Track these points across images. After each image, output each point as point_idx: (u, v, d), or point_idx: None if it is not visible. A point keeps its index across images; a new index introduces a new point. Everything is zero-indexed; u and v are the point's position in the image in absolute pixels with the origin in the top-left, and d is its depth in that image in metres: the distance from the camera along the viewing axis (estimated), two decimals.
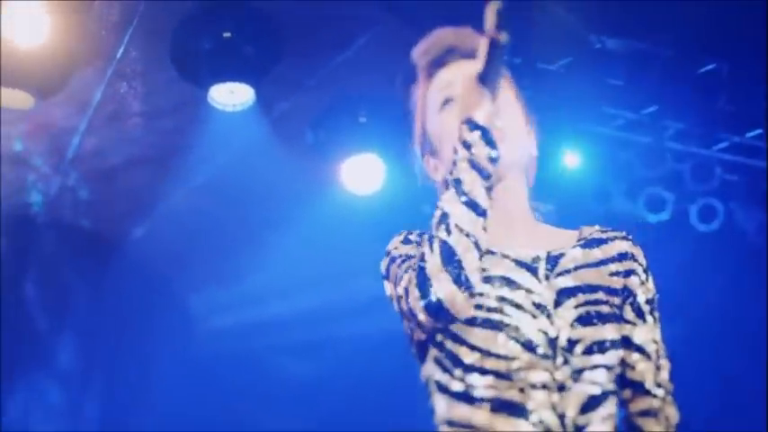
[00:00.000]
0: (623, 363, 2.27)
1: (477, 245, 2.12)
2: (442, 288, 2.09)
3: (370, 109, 5.65)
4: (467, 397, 2.16)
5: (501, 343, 2.15)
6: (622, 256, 2.32)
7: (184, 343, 7.01)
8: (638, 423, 2.30)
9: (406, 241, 2.29)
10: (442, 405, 2.20)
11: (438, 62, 2.40)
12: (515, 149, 2.30)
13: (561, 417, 2.14)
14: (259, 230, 6.32)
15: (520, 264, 2.25)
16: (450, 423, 2.18)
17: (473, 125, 2.17)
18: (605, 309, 2.24)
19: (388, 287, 2.24)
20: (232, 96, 5.14)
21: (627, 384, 2.29)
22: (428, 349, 2.23)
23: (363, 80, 5.37)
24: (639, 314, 2.31)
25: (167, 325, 6.88)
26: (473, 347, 2.16)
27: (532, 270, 2.25)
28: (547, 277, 2.24)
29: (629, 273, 2.31)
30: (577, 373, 2.16)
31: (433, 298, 2.09)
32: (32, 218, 6.43)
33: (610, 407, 2.20)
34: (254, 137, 5.40)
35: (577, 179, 6.01)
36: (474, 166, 2.15)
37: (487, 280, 2.20)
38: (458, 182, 2.14)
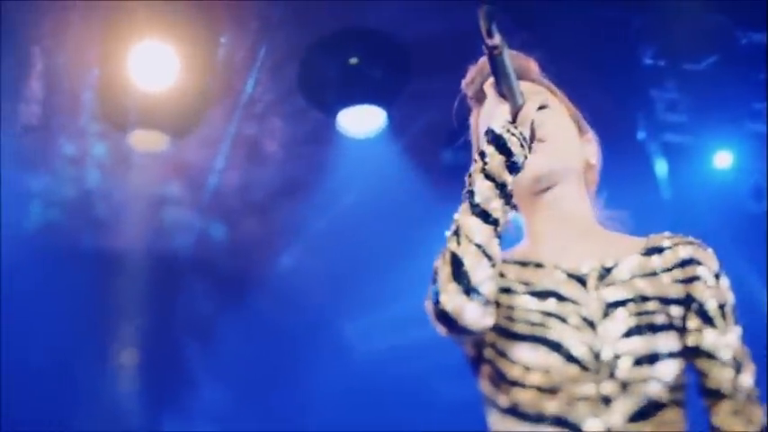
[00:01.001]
0: (698, 371, 2.23)
1: (486, 254, 2.09)
2: (450, 300, 2.07)
3: None
4: (513, 412, 2.17)
5: (543, 357, 2.15)
6: (685, 263, 2.26)
7: (341, 372, 6.97)
8: (719, 424, 2.23)
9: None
10: (493, 420, 2.22)
11: (482, 93, 2.38)
12: (560, 158, 2.29)
13: (608, 430, 2.12)
14: (402, 253, 6.24)
15: (571, 276, 2.23)
16: None
17: (490, 135, 2.17)
18: (659, 319, 2.20)
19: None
20: (363, 121, 5.11)
21: (705, 393, 2.24)
22: (479, 365, 2.24)
23: None
24: (707, 320, 2.23)
25: (322, 355, 6.85)
26: (516, 362, 2.17)
27: (583, 282, 2.23)
28: (597, 288, 2.22)
29: (692, 279, 2.25)
30: (625, 386, 2.13)
31: (441, 309, 2.07)
32: (177, 260, 6.49)
33: (665, 418, 2.15)
34: (388, 159, 5.34)
35: (731, 179, 5.83)
36: (488, 175, 2.14)
37: (534, 294, 2.21)
38: (471, 193, 2.14)
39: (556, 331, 2.16)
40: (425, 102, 5.39)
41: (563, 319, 2.18)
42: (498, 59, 2.16)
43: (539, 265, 2.25)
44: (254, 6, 4.92)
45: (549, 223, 2.30)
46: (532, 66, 2.43)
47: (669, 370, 2.15)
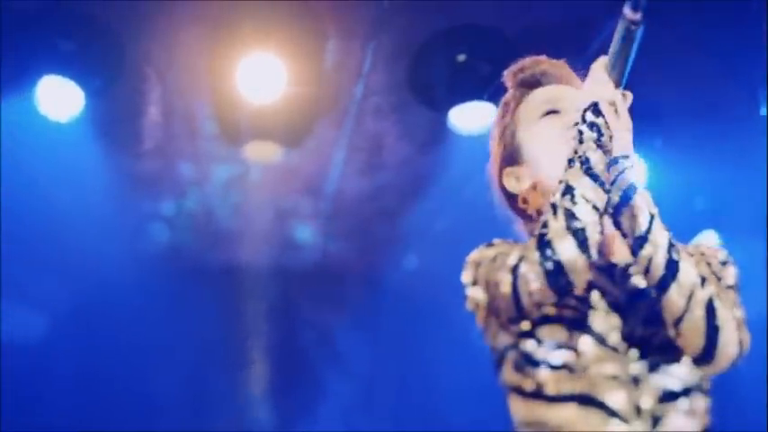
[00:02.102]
0: None
1: (599, 220, 2.12)
2: (566, 250, 2.07)
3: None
4: (538, 395, 2.18)
5: (572, 338, 2.17)
6: (692, 257, 2.27)
7: (469, 372, 6.92)
8: None
9: (491, 246, 2.32)
10: (517, 407, 2.23)
11: (532, 81, 2.48)
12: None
13: (637, 407, 2.13)
14: None
15: (599, 269, 2.25)
16: (528, 424, 2.20)
17: (598, 111, 2.21)
18: None
19: (476, 292, 2.25)
20: (475, 118, 5.07)
21: None
22: (506, 354, 2.25)
23: None
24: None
25: (449, 356, 6.81)
26: (543, 343, 2.18)
27: (609, 274, 2.26)
28: (624, 281, 2.26)
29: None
30: (654, 367, 2.17)
31: (556, 258, 2.07)
32: (301, 269, 6.52)
33: (693, 402, 2.17)
34: None
35: None
36: (600, 146, 2.17)
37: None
38: (587, 159, 2.15)
39: (586, 314, 2.19)
40: None
41: (590, 305, 2.21)
42: (633, 35, 2.16)
43: None
44: (358, 10, 4.92)
45: None
46: (568, 71, 2.48)
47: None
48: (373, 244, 6.43)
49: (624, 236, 2.19)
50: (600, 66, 2.25)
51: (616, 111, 2.22)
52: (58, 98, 4.98)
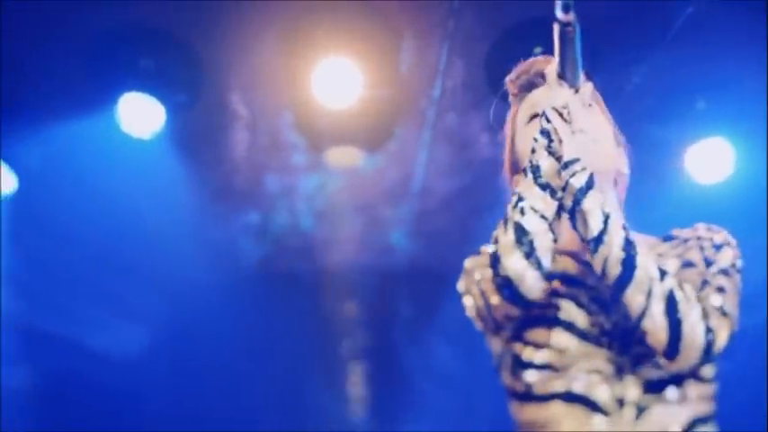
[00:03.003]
0: None
1: (551, 227, 2.12)
2: (513, 264, 2.09)
3: (706, 93, 5.34)
4: (529, 396, 2.19)
5: (555, 336, 2.17)
6: (687, 242, 2.28)
7: None
8: None
9: (479, 254, 2.30)
10: (514, 410, 2.24)
11: (527, 86, 2.49)
12: (596, 159, 2.26)
13: (620, 400, 2.13)
14: None
15: (583, 263, 2.27)
16: (522, 425, 2.20)
17: (548, 118, 2.20)
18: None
19: (467, 300, 2.24)
20: None
21: None
22: (502, 359, 2.27)
23: (690, 65, 5.06)
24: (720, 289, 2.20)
25: None
26: (528, 343, 2.20)
27: (591, 270, 2.23)
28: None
29: (688, 263, 2.25)
30: (640, 358, 2.14)
31: (503, 274, 2.09)
32: (391, 275, 6.52)
33: (685, 390, 2.13)
34: None
35: None
36: (552, 153, 2.17)
37: (548, 278, 2.19)
38: (536, 168, 2.17)
39: (567, 312, 2.20)
40: (618, 83, 5.26)
41: (577, 302, 2.21)
42: (569, 37, 2.14)
43: (558, 252, 2.25)
44: (431, 9, 4.90)
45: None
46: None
47: None
48: (465, 243, 6.38)
49: (582, 240, 2.17)
50: (551, 70, 2.25)
51: (568, 114, 2.20)
52: (140, 115, 5.05)
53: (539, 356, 2.18)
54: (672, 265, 2.25)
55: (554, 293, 2.22)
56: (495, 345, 2.29)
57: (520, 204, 2.14)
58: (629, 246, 2.12)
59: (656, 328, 2.09)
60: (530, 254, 2.09)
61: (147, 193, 5.36)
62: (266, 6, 4.85)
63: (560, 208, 2.15)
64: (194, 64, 5.04)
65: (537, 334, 2.20)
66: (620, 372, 2.14)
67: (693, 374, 2.15)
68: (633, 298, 2.10)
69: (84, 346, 5.89)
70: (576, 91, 2.23)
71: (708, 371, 2.18)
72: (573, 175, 2.15)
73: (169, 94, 5.06)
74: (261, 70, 5.13)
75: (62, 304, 5.81)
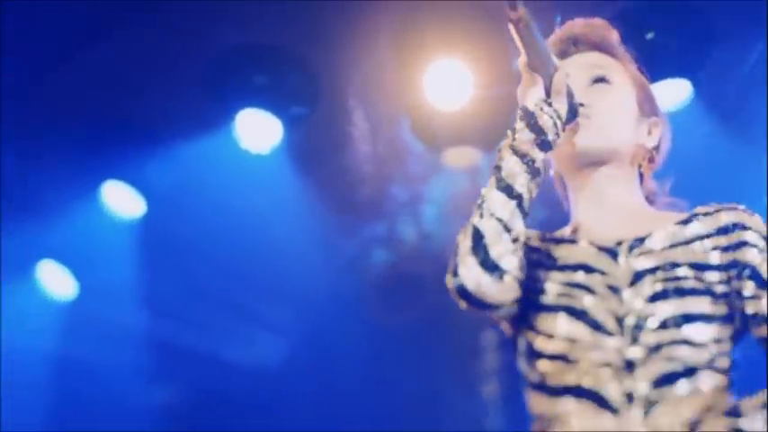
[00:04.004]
0: (763, 340, 2.13)
1: (507, 228, 2.09)
2: (468, 272, 2.07)
3: None
4: (542, 386, 2.15)
5: (567, 326, 2.12)
6: (728, 230, 2.20)
7: None
8: None
9: None
10: (528, 398, 2.20)
11: (561, 54, 2.38)
12: (606, 137, 2.28)
13: (629, 395, 2.07)
14: None
15: (602, 249, 2.22)
16: (535, 416, 2.17)
17: (522, 111, 2.19)
18: (689, 284, 2.13)
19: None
20: (668, 95, 4.91)
21: None
22: (517, 344, 2.22)
23: None
24: (764, 284, 2.13)
25: None
26: (540, 332, 2.15)
27: (613, 254, 2.21)
28: (627, 259, 2.19)
29: (739, 245, 2.18)
30: (652, 350, 2.09)
31: (459, 281, 2.08)
32: None
33: (698, 382, 2.08)
34: (702, 132, 5.09)
35: None
36: (516, 151, 2.15)
37: (563, 268, 2.20)
38: (497, 168, 2.15)
39: (580, 300, 2.15)
40: (730, 72, 5.14)
41: (589, 289, 2.16)
42: (524, 33, 2.13)
43: (572, 242, 2.26)
44: (537, 4, 4.86)
45: (592, 204, 2.30)
46: (609, 36, 2.45)
47: (700, 333, 2.09)
48: None
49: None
50: (522, 66, 2.23)
51: (541, 109, 2.18)
52: (257, 130, 5.14)
53: (551, 347, 2.13)
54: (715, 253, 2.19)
55: (567, 282, 2.17)
56: (507, 330, 2.25)
57: (480, 206, 2.12)
58: None
59: None
60: (485, 260, 2.06)
61: (271, 208, 5.45)
62: (374, 12, 4.89)
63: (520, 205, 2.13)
64: (307, 76, 5.12)
65: (548, 323, 2.14)
66: (630, 364, 2.08)
67: (710, 366, 2.09)
68: None
69: (222, 360, 6.00)
70: (550, 79, 2.20)
71: (723, 361, 2.12)
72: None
73: (284, 108, 5.15)
74: (374, 77, 5.17)
75: (198, 320, 5.94)
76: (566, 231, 2.33)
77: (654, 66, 4.83)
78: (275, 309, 6.03)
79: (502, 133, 5.62)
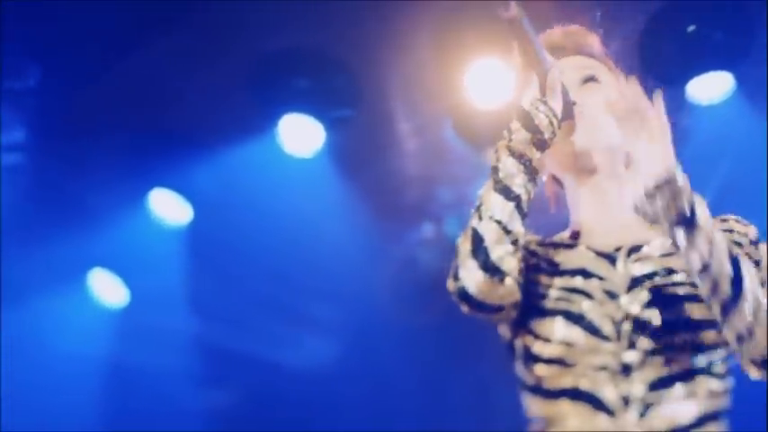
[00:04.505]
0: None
1: (506, 230, 2.09)
2: (468, 275, 2.08)
3: None
4: (538, 389, 2.15)
5: (564, 330, 2.13)
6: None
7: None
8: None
9: None
10: (525, 402, 2.20)
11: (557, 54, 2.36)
12: (602, 137, 2.26)
13: (625, 398, 2.08)
14: None
15: (600, 255, 2.23)
16: (532, 419, 2.18)
17: (518, 110, 2.18)
18: (685, 290, 2.14)
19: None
20: (712, 88, 4.89)
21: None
22: (514, 347, 2.22)
23: None
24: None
25: None
26: (538, 336, 2.15)
27: (611, 260, 2.22)
28: (625, 265, 2.20)
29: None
30: (648, 354, 2.09)
31: (460, 285, 2.09)
32: None
33: (695, 386, 2.09)
34: (746, 123, 5.04)
35: None
36: (512, 151, 2.14)
37: (561, 272, 2.20)
38: (494, 169, 2.15)
39: (578, 305, 2.15)
40: None
41: (587, 294, 2.17)
42: (516, 31, 2.13)
43: (571, 246, 2.27)
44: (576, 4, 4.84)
45: (591, 206, 2.30)
46: (588, 41, 2.43)
47: (696, 338, 2.10)
48: None
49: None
50: (517, 65, 2.25)
51: (537, 108, 2.17)
52: (300, 135, 5.17)
53: (548, 350, 2.13)
54: None
55: (565, 287, 2.18)
56: (505, 332, 2.25)
57: (479, 209, 2.12)
58: (735, 262, 2.05)
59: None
60: (486, 263, 2.06)
61: (316, 211, 5.47)
62: (414, 12, 4.89)
63: (518, 206, 2.12)
64: (349, 78, 5.13)
65: (546, 327, 2.15)
66: (627, 368, 2.09)
67: (708, 370, 2.10)
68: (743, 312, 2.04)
69: (272, 363, 6.04)
70: (545, 77, 2.19)
71: (720, 367, 2.12)
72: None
73: (326, 112, 5.17)
74: (415, 77, 5.17)
75: (248, 324, 5.98)
76: (564, 236, 2.33)
77: (696, 58, 4.87)
78: (324, 311, 6.05)
79: None
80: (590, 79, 2.34)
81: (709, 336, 2.11)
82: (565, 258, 2.24)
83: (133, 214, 5.58)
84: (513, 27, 2.15)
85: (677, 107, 5.13)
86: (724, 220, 2.24)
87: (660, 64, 4.91)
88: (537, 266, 2.23)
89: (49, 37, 5.09)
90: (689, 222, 2.01)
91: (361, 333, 6.12)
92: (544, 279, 2.21)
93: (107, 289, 5.86)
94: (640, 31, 4.91)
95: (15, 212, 5.52)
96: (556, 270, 2.22)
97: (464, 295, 2.09)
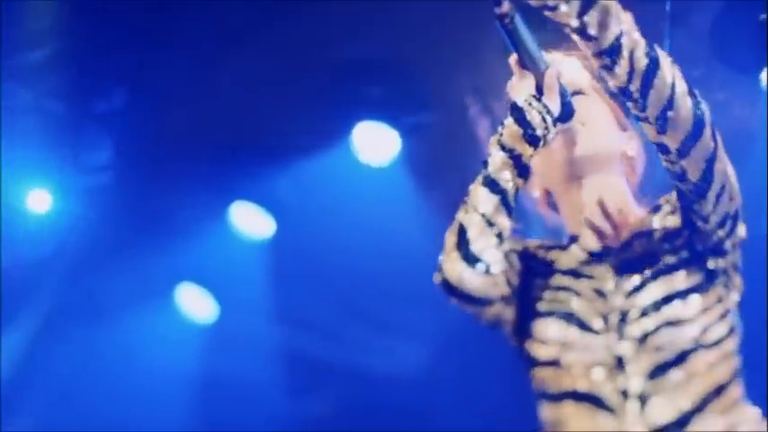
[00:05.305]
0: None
1: (490, 223, 2.10)
2: (451, 266, 2.12)
3: None
4: (543, 393, 2.17)
5: (557, 330, 2.15)
6: (663, 207, 2.24)
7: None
8: None
9: None
10: (537, 404, 2.21)
11: None
12: (596, 144, 2.25)
13: (624, 392, 2.09)
14: None
15: (591, 255, 2.24)
16: (542, 421, 2.20)
17: (512, 108, 2.18)
18: (664, 262, 2.17)
19: None
20: None
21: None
22: (520, 352, 2.24)
23: None
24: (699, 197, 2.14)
25: None
26: (535, 339, 2.18)
27: (599, 258, 2.23)
28: (612, 263, 2.21)
29: (672, 211, 2.22)
30: (639, 342, 2.10)
31: (443, 276, 2.13)
32: None
33: (691, 365, 2.08)
34: None
35: None
36: (503, 146, 2.14)
37: (553, 273, 2.24)
38: (485, 163, 2.16)
39: (568, 304, 2.18)
40: None
41: (578, 293, 2.19)
42: (509, 28, 2.10)
43: (563, 248, 2.29)
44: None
45: (583, 210, 2.27)
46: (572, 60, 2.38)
47: (681, 310, 2.10)
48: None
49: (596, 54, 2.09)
50: (513, 62, 2.23)
51: (530, 104, 2.16)
52: (374, 143, 5.21)
53: (543, 352, 2.16)
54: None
55: (554, 286, 2.22)
56: (511, 339, 2.28)
57: (466, 203, 2.15)
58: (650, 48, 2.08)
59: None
60: (467, 254, 2.09)
61: (397, 216, 5.49)
62: (487, 13, 4.88)
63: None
64: (422, 84, 5.14)
65: (540, 329, 2.18)
66: (621, 361, 2.10)
67: (700, 344, 2.09)
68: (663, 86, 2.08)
69: (362, 371, 6.06)
70: (542, 75, 2.19)
71: (713, 333, 2.11)
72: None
73: (400, 118, 5.20)
74: (490, 80, 5.16)
75: (336, 332, 6.02)
76: (556, 239, 2.35)
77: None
78: (413, 318, 6.06)
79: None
80: (578, 93, 2.31)
81: (694, 303, 2.12)
82: (558, 259, 2.27)
83: (217, 228, 5.69)
84: (506, 24, 2.13)
85: (751, 96, 5.05)
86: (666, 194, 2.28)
87: (732, 52, 4.86)
88: (534, 270, 2.27)
89: (133, 60, 5.23)
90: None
91: (452, 339, 6.11)
92: (538, 281, 2.25)
93: (195, 303, 5.97)
94: (712, 20, 4.87)
95: (105, 231, 5.68)
96: (549, 271, 2.26)
97: (447, 286, 2.14)
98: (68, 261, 5.78)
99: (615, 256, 2.23)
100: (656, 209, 2.27)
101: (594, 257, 2.24)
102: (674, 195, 2.23)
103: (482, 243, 2.10)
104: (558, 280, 2.24)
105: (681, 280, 2.14)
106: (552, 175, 2.30)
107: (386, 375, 6.01)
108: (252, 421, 5.86)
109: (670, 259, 2.17)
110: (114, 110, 5.50)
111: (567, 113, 2.22)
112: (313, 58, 5.06)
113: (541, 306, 2.21)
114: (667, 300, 2.12)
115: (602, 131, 2.28)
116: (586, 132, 2.25)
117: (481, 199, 2.12)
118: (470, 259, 2.10)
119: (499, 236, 2.11)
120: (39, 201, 5.63)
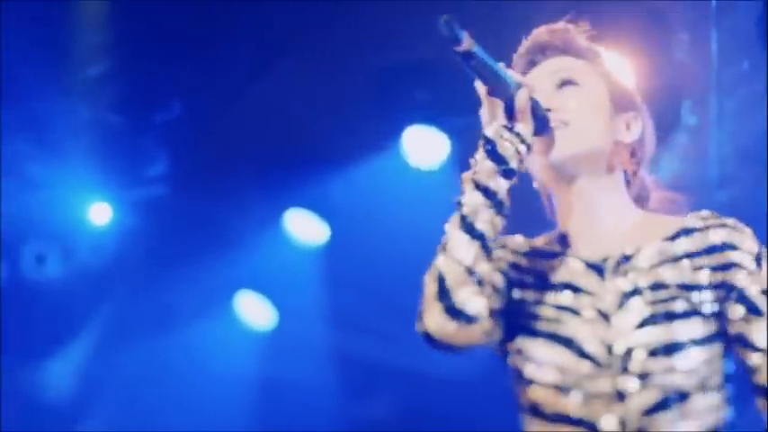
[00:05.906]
0: (745, 365, 2.08)
1: (471, 271, 2.01)
2: (432, 319, 2.02)
3: None
4: (535, 411, 2.09)
5: (556, 354, 2.07)
6: (716, 248, 2.09)
7: None
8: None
9: None
10: (522, 420, 2.14)
11: (529, 64, 2.31)
12: (582, 142, 2.16)
13: (623, 422, 2.02)
14: None
15: (589, 266, 2.14)
16: None
17: (482, 140, 2.12)
18: (679, 306, 2.06)
19: None
20: None
21: (757, 390, 2.08)
22: (510, 368, 2.17)
23: None
24: (752, 309, 2.06)
25: None
26: (530, 360, 2.10)
27: (599, 271, 2.13)
28: (614, 278, 2.11)
29: (727, 266, 2.09)
30: (642, 379, 2.03)
31: (424, 329, 2.04)
32: None
33: (690, 405, 2.02)
34: None
35: None
36: (477, 185, 2.07)
37: (549, 288, 2.14)
38: (458, 204, 2.09)
39: (568, 326, 2.09)
40: None
41: (577, 313, 2.10)
42: (473, 63, 2.07)
43: (557, 255, 2.18)
44: None
45: (576, 215, 2.19)
46: (573, 39, 2.31)
47: (691, 359, 2.03)
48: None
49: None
50: (480, 91, 2.16)
51: (501, 136, 2.10)
52: (424, 147, 5.25)
53: (541, 375, 2.08)
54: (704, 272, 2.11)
55: (554, 305, 2.12)
56: (499, 351, 2.20)
57: (444, 247, 2.06)
58: None
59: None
60: (449, 307, 2.01)
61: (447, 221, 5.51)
62: (533, 13, 4.90)
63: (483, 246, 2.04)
64: (469, 86, 5.16)
65: (536, 350, 2.10)
66: (621, 394, 2.04)
67: (702, 387, 2.05)
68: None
69: (421, 374, 6.08)
70: (512, 99, 2.12)
71: (715, 379, 2.07)
72: None
73: (448, 122, 5.22)
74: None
75: (394, 336, 6.04)
76: (551, 238, 2.25)
77: None
78: None
79: (672, 123, 5.54)
80: (566, 83, 2.23)
81: (703, 352, 2.06)
82: (551, 271, 2.17)
83: (273, 236, 5.76)
84: (469, 60, 2.09)
85: None
86: (724, 226, 2.14)
87: None
88: (522, 282, 2.17)
89: (186, 73, 5.32)
90: None
91: None
92: (530, 295, 2.15)
93: (254, 309, 6.05)
94: (757, 13, 4.84)
95: (164, 241, 5.78)
96: (543, 284, 2.16)
97: (429, 338, 2.05)
98: (129, 272, 5.90)
99: (618, 271, 2.13)
100: (676, 236, 2.14)
101: (592, 269, 2.14)
102: (711, 219, 2.16)
103: (464, 294, 2.02)
104: (555, 296, 2.14)
105: (696, 327, 2.07)
106: (541, 177, 2.23)
107: (440, 378, 6.00)
108: (309, 424, 5.89)
109: (686, 305, 2.08)
110: (170, 122, 5.61)
111: (541, 127, 2.15)
112: (361, 64, 5.13)
113: (536, 325, 2.11)
114: (679, 345, 2.05)
115: (586, 129, 2.18)
116: (569, 134, 2.16)
117: (461, 247, 2.03)
118: (453, 312, 2.01)
119: (480, 282, 2.03)
120: (100, 213, 5.77)
